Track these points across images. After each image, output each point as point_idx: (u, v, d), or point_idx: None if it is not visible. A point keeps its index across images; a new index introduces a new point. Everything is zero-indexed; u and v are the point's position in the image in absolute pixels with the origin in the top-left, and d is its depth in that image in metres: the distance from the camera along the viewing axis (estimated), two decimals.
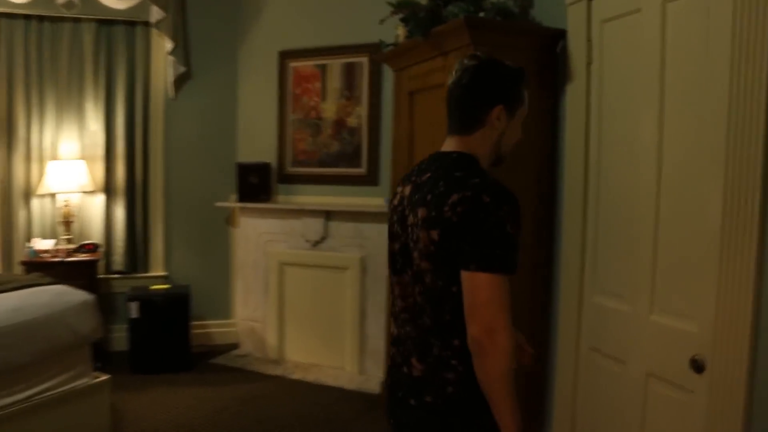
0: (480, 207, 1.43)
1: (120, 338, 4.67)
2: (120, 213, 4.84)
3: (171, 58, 4.85)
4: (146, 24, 4.81)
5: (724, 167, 1.84)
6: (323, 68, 4.68)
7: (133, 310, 4.38)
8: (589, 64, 2.52)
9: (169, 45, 4.81)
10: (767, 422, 1.75)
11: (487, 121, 1.59)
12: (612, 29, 2.40)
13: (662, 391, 2.11)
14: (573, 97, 2.62)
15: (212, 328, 5.14)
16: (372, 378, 4.36)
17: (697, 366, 1.92)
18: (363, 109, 4.54)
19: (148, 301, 4.42)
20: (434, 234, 1.48)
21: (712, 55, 1.91)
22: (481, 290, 1.42)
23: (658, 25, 2.14)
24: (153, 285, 4.71)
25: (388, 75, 4.02)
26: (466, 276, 1.44)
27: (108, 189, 4.81)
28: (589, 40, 2.51)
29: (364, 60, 4.49)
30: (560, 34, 2.69)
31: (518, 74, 1.62)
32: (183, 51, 4.90)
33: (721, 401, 1.85)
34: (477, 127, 1.59)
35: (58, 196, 4.60)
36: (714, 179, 1.89)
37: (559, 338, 2.70)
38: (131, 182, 4.88)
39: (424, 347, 1.56)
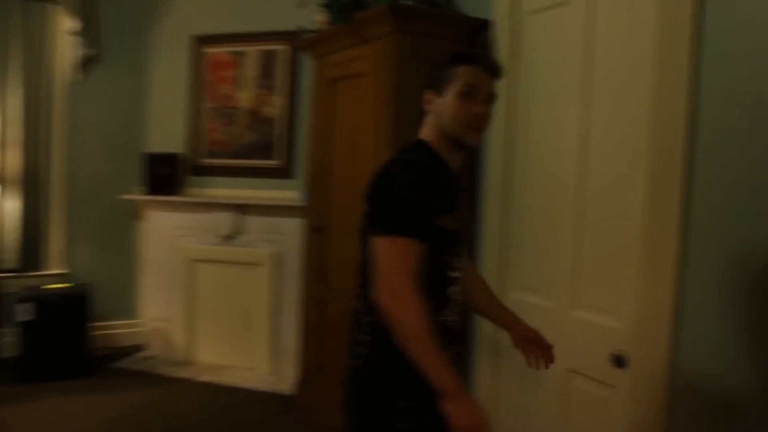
0: (384, 176, 1.52)
1: (11, 343, 4.26)
2: (13, 205, 4.43)
3: (75, 39, 4.49)
4: (46, 0, 4.43)
5: (647, 163, 1.84)
6: (239, 55, 4.46)
7: (25, 311, 4.01)
8: (514, 56, 2.48)
9: (73, 25, 4.46)
10: (687, 416, 1.75)
11: (426, 109, 1.66)
12: (539, 21, 2.37)
13: (584, 387, 2.09)
14: (497, 89, 2.56)
15: (117, 329, 4.81)
16: (285, 378, 4.20)
17: (619, 361, 1.91)
18: (280, 99, 4.37)
19: (42, 301, 4.05)
20: (365, 207, 1.56)
21: (637, 50, 1.90)
22: (383, 256, 1.44)
23: (586, 18, 2.12)
24: (50, 284, 4.34)
25: (307, 65, 3.88)
26: (372, 243, 1.49)
27: None
28: (515, 31, 2.47)
29: (282, 48, 4.32)
30: (486, 25, 2.65)
31: (447, 58, 1.65)
32: (88, 32, 4.54)
33: (642, 396, 1.85)
34: (424, 116, 1.68)
35: None
36: (636, 175, 1.89)
37: (480, 334, 2.65)
38: (28, 172, 4.47)
39: (357, 321, 1.62)
